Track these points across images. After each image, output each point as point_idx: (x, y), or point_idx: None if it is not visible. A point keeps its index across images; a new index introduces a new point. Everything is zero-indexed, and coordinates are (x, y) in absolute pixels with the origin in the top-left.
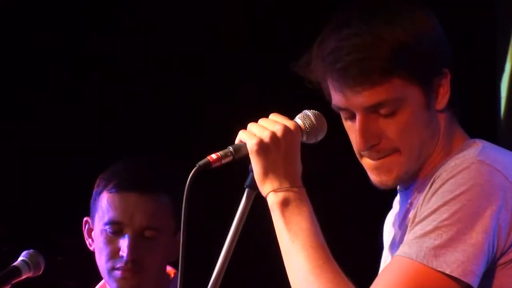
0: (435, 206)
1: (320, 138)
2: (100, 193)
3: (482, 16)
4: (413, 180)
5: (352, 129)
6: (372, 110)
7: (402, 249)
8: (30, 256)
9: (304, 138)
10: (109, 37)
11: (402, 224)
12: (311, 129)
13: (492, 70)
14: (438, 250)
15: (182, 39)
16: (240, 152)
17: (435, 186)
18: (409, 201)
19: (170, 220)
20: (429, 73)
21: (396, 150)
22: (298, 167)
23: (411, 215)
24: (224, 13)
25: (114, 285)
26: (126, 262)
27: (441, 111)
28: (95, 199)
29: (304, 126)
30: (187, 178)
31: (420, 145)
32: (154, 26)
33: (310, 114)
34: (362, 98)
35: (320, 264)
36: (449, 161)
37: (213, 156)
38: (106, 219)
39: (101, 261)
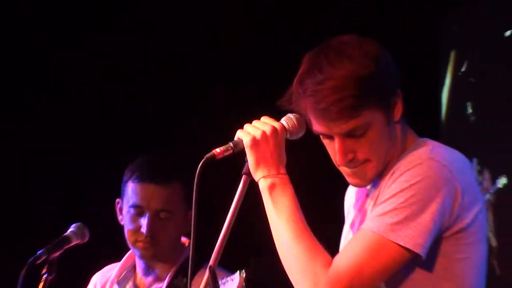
0: (394, 192)
1: (300, 135)
2: (126, 181)
3: (428, 42)
4: None
5: (330, 146)
6: (347, 135)
7: (366, 223)
8: (77, 227)
9: (288, 136)
10: (109, 37)
11: (362, 209)
12: (293, 129)
13: (435, 83)
14: (395, 226)
15: (182, 39)
16: (238, 146)
17: (394, 176)
18: (367, 190)
19: (181, 204)
20: (388, 98)
21: (367, 160)
22: (283, 158)
23: (369, 202)
24: (224, 13)
25: (138, 253)
26: (146, 237)
27: (397, 121)
28: (123, 185)
29: (288, 126)
30: (197, 168)
31: (386, 152)
32: (154, 26)
33: (292, 117)
34: (340, 128)
35: (300, 234)
36: (406, 157)
37: (217, 150)
38: (130, 203)
39: (128, 235)
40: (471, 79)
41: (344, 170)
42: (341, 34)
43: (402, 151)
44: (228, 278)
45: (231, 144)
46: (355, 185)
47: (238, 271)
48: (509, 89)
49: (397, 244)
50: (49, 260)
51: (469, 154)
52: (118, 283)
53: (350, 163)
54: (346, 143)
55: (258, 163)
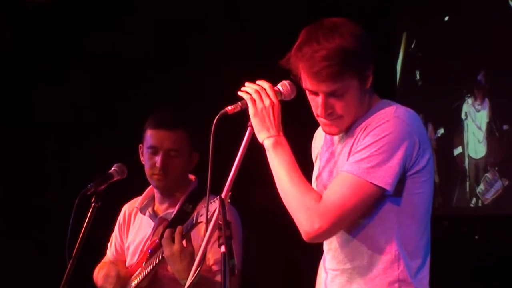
0: (368, 143)
1: (292, 97)
2: (145, 129)
3: (386, 26)
4: None
5: (314, 100)
6: (330, 94)
7: (346, 168)
8: (118, 166)
9: (282, 97)
10: (109, 37)
11: (331, 158)
12: (286, 92)
13: (392, 56)
14: (370, 169)
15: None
16: (244, 105)
17: (368, 130)
18: (334, 141)
19: (186, 146)
20: (364, 70)
21: (342, 115)
22: (280, 123)
23: (340, 147)
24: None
25: (154, 183)
26: (159, 170)
27: (367, 88)
28: (144, 133)
29: (283, 90)
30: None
31: (356, 111)
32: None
33: (286, 83)
34: (325, 88)
35: (295, 178)
36: (375, 115)
37: (229, 107)
38: (148, 144)
39: (146, 170)
40: (419, 54)
41: (322, 121)
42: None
43: (368, 110)
44: (216, 198)
45: (239, 103)
46: (328, 133)
47: (219, 195)
48: (447, 61)
49: (372, 183)
50: (96, 192)
51: (417, 111)
52: (141, 209)
53: (328, 116)
54: (328, 100)
55: (262, 128)
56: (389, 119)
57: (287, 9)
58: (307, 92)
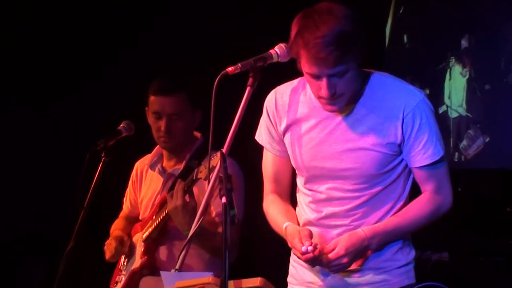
0: (426, 134)
1: (288, 59)
2: (148, 95)
3: None
4: None
5: (315, 83)
6: (332, 75)
7: (432, 157)
8: (126, 123)
9: (279, 59)
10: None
11: (337, 129)
12: (282, 54)
13: (381, 20)
14: (442, 146)
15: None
16: (245, 66)
17: (417, 121)
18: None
19: (188, 107)
20: (361, 49)
21: (343, 94)
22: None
23: (356, 124)
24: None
25: (161, 145)
26: (164, 133)
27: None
28: (147, 97)
29: (279, 52)
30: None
31: (355, 86)
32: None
33: (283, 45)
34: (329, 71)
35: (411, 217)
36: (400, 93)
37: (230, 68)
38: (152, 110)
39: (153, 133)
40: (407, 18)
41: (322, 100)
42: None
43: (365, 82)
44: (216, 155)
45: (239, 64)
46: (330, 111)
47: (219, 150)
48: (432, 25)
49: (444, 155)
50: (106, 147)
51: (405, 72)
52: (150, 166)
53: (331, 96)
54: (330, 81)
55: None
56: (422, 99)
57: None
58: (306, 75)
